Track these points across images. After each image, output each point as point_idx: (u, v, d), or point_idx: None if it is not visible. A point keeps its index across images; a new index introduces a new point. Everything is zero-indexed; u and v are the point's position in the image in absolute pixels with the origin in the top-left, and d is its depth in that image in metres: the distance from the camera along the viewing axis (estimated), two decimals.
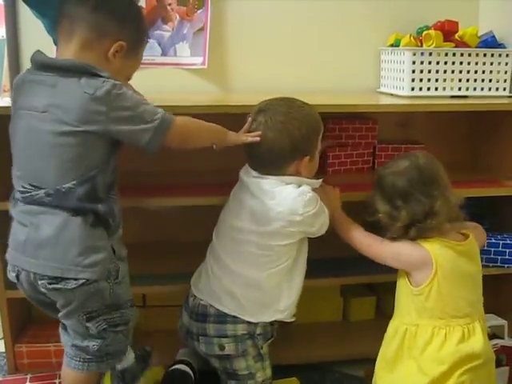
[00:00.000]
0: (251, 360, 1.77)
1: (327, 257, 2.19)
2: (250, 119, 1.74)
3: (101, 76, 1.46)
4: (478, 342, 1.63)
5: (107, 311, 1.57)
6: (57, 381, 1.90)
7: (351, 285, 2.30)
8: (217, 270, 1.78)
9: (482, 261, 1.80)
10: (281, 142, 1.69)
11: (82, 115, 1.43)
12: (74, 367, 1.62)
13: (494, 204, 2.27)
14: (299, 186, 1.72)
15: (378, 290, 2.41)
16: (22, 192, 1.51)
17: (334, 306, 2.38)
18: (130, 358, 1.72)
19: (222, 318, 1.74)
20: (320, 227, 1.77)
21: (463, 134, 2.46)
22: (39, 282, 1.48)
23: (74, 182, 1.46)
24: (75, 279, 1.47)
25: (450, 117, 2.28)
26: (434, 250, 1.65)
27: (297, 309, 2.26)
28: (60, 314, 1.56)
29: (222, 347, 1.74)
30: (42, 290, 1.49)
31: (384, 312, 2.27)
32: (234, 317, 1.74)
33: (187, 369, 1.85)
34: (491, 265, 2.11)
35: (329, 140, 2.19)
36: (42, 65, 1.50)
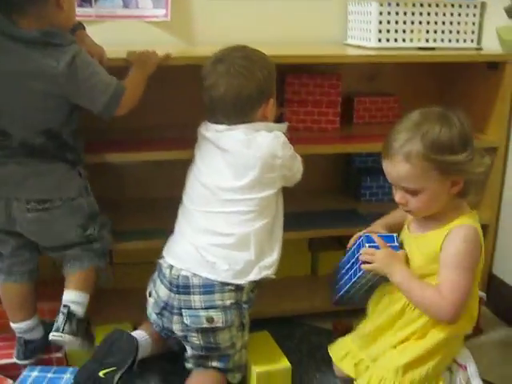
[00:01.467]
0: (235, 330, 1.73)
1: (295, 211, 2.19)
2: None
3: (62, 45, 1.57)
4: None
5: (92, 219, 1.79)
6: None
7: (319, 239, 2.30)
8: (197, 236, 1.73)
9: None
10: (247, 88, 1.68)
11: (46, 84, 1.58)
12: (81, 267, 1.80)
13: None
14: (270, 131, 1.71)
15: (346, 243, 2.41)
16: None
17: (302, 260, 2.39)
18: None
19: (209, 287, 1.67)
20: (297, 171, 1.79)
21: (432, 87, 2.45)
22: (27, 206, 1.67)
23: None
24: (60, 199, 1.71)
25: (419, 69, 2.28)
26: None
27: None
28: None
29: (210, 319, 1.67)
30: (28, 215, 1.68)
31: None
32: (222, 284, 1.67)
33: (138, 336, 1.77)
34: None
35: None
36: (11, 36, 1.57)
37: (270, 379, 1.77)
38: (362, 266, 1.62)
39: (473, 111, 2.23)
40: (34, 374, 1.74)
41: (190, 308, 1.68)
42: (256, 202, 1.71)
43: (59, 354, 1.86)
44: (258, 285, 1.78)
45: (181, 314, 1.69)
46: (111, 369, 1.63)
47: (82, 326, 1.78)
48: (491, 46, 2.22)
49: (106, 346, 1.69)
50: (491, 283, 2.27)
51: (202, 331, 1.69)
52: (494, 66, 2.12)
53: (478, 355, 1.71)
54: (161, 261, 1.77)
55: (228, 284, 1.68)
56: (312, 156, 2.00)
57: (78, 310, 1.76)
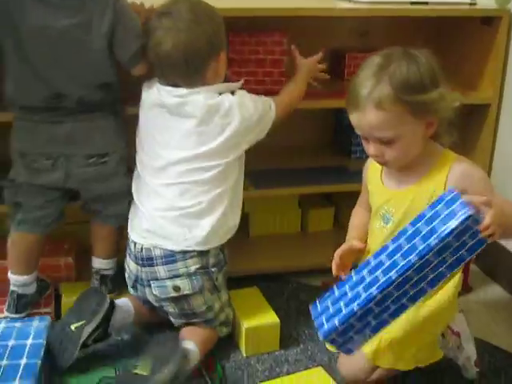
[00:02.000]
0: (208, 294, 1.72)
1: (285, 167, 2.18)
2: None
3: None
4: None
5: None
6: None
7: (309, 196, 2.30)
8: (154, 208, 1.70)
9: None
10: (197, 41, 1.61)
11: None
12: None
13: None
14: (233, 92, 1.68)
15: (335, 200, 2.42)
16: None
17: (292, 217, 2.38)
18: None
19: (170, 257, 1.67)
20: (270, 116, 1.77)
21: (424, 43, 2.41)
22: (88, 161, 1.73)
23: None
24: (115, 151, 1.77)
25: (411, 25, 2.24)
26: None
27: (257, 222, 2.29)
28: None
29: (176, 288, 1.67)
30: (88, 169, 1.74)
31: (342, 222, 2.28)
32: (183, 252, 1.67)
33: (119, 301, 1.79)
34: None
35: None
36: None
37: (258, 334, 1.78)
38: (490, 239, 1.25)
39: (466, 68, 2.24)
40: (2, 325, 1.74)
41: (156, 279, 1.69)
42: (219, 168, 1.67)
43: (48, 309, 1.86)
44: (226, 245, 1.77)
45: (150, 286, 1.71)
46: (81, 323, 1.65)
47: (117, 279, 1.93)
48: (485, 0, 2.18)
49: (80, 302, 1.72)
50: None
51: (174, 300, 1.70)
52: (487, 22, 2.08)
53: (467, 313, 1.71)
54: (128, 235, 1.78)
55: (190, 251, 1.67)
56: (301, 112, 1.98)
57: (109, 272, 1.93)
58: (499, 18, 2.04)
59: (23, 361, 1.58)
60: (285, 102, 1.82)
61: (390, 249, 1.33)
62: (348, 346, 1.34)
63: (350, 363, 1.59)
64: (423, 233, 1.28)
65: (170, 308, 1.72)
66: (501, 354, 1.82)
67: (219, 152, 1.66)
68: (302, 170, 2.18)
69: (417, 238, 1.28)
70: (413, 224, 1.32)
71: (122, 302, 1.78)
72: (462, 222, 1.22)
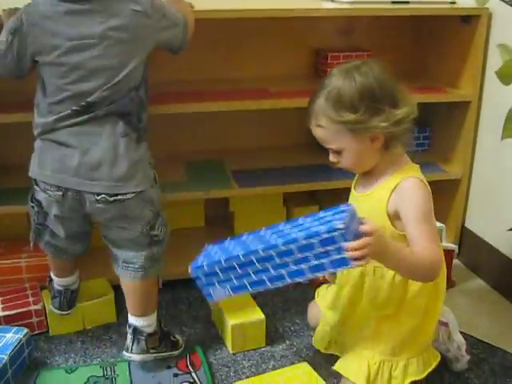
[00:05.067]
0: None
1: (270, 166, 2.20)
2: None
3: None
4: None
5: (157, 216, 1.66)
6: (28, 292, 1.91)
7: (294, 194, 2.31)
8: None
9: None
10: None
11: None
12: (138, 277, 1.67)
13: (436, 112, 2.29)
14: None
15: (319, 198, 2.43)
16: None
17: (277, 215, 2.38)
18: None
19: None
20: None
21: (406, 42, 2.44)
22: (97, 198, 1.54)
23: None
24: (133, 192, 1.57)
25: (393, 24, 2.27)
26: None
27: (241, 220, 2.29)
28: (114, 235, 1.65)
29: None
30: (97, 205, 1.56)
31: None
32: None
33: None
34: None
35: None
36: None
37: (244, 331, 1.80)
38: (354, 263, 1.24)
39: (446, 65, 2.27)
40: None
41: None
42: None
43: (38, 307, 1.85)
44: None
45: None
46: None
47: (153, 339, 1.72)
48: None
49: None
50: (463, 236, 2.31)
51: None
52: (467, 20, 2.11)
53: (451, 308, 1.73)
54: None
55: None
56: (285, 111, 2.00)
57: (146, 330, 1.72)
58: (478, 16, 2.07)
59: None
60: None
61: (276, 228, 1.41)
62: (209, 290, 1.45)
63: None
64: (302, 226, 1.34)
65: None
66: (484, 345, 1.85)
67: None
68: (287, 169, 2.20)
69: (295, 229, 1.34)
70: (304, 217, 1.38)
71: None
72: (327, 230, 1.24)
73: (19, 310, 1.83)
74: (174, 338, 1.78)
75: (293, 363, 1.76)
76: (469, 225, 2.31)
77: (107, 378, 1.68)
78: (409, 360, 1.53)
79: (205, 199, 2.33)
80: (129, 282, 1.69)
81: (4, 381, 1.60)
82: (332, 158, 1.50)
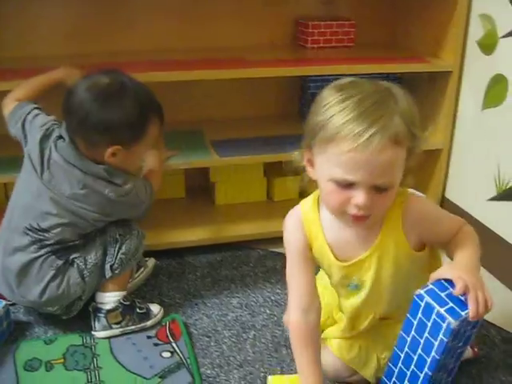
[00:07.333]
0: None
1: (250, 136, 2.19)
2: None
3: (120, 185, 1.65)
4: None
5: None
6: None
7: (274, 164, 2.30)
8: None
9: None
10: None
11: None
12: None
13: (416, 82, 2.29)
14: None
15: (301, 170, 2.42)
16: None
17: (258, 186, 2.39)
18: None
19: None
20: None
21: (387, 11, 2.43)
22: None
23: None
24: None
25: None
26: None
27: (222, 191, 2.28)
28: None
29: None
30: None
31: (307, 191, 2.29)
32: None
33: None
34: None
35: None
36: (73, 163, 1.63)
37: None
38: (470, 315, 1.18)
39: (428, 35, 2.26)
40: None
41: None
42: None
43: None
44: None
45: None
46: None
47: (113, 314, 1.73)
48: None
49: None
50: (444, 206, 2.31)
51: None
52: None
53: None
54: None
55: None
56: (266, 81, 1.99)
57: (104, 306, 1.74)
58: None
59: None
60: None
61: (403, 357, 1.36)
62: None
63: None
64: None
65: None
66: None
67: None
68: (267, 139, 2.19)
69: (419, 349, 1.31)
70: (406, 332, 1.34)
71: None
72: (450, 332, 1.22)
73: None
74: (141, 309, 1.76)
75: (273, 333, 1.76)
76: (449, 195, 2.31)
77: (86, 347, 1.67)
78: None
79: (185, 170, 2.32)
80: None
81: None
82: (368, 199, 1.20)
